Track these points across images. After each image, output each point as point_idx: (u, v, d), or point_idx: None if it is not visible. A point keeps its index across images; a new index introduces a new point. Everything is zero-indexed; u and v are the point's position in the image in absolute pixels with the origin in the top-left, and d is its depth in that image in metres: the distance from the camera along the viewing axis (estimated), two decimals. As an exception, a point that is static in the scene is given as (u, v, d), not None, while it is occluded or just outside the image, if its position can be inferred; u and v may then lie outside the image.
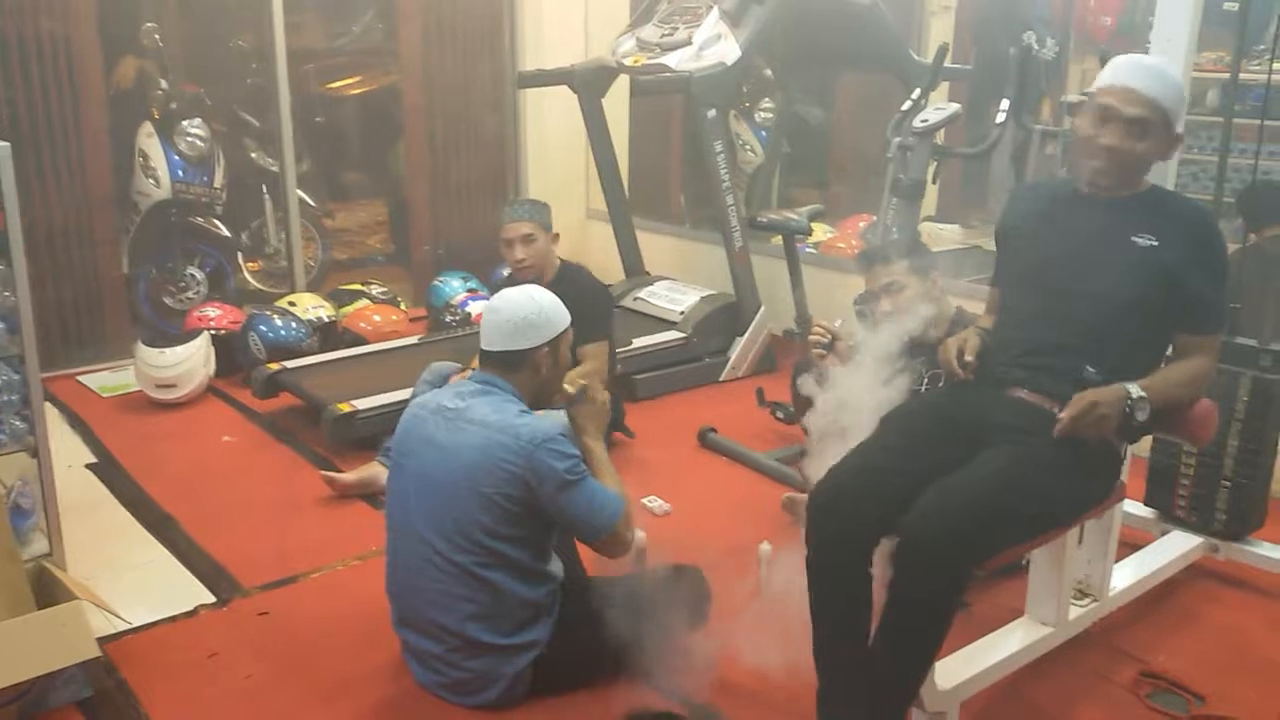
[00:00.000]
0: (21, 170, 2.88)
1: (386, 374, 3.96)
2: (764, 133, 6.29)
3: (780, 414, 3.85)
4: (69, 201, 4.51)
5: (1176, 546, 2.84)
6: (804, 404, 2.66)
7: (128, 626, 2.59)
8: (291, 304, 4.67)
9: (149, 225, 4.84)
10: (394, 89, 5.87)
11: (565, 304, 2.42)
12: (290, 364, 4.18)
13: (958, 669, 2.16)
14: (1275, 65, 2.84)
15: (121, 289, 4.80)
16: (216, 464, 3.69)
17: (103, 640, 2.45)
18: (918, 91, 3.93)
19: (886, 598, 1.95)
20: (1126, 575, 2.66)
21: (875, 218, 4.17)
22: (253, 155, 5.46)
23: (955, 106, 3.90)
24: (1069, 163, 4.04)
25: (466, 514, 2.21)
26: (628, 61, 4.59)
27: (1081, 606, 2.49)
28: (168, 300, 4.96)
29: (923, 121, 3.78)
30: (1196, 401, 2.22)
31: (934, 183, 4.08)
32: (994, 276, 2.41)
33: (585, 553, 2.43)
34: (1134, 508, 2.97)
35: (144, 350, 4.17)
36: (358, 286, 5.11)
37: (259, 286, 5.41)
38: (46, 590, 2.49)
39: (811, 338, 2.82)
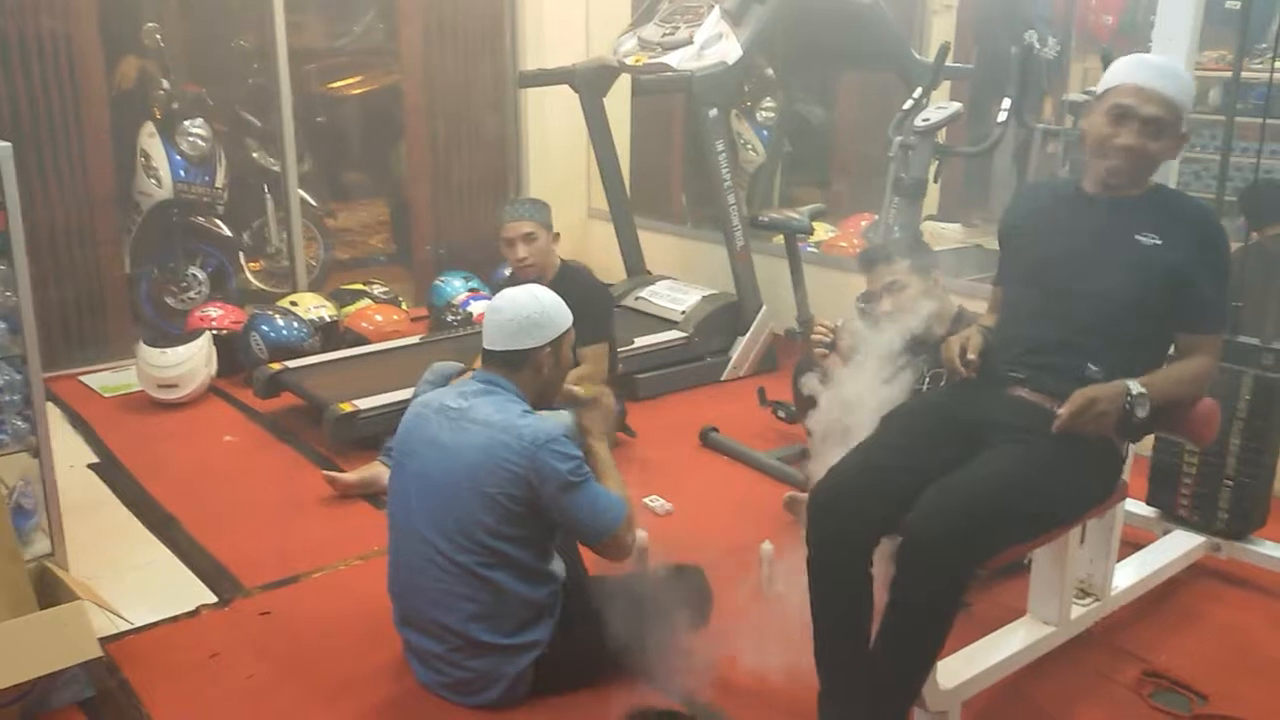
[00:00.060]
0: (23, 170, 2.89)
1: (388, 374, 3.96)
2: (765, 132, 6.29)
3: (782, 413, 3.85)
4: (71, 201, 4.52)
5: (1179, 546, 2.84)
6: (805, 403, 2.66)
7: (130, 626, 2.59)
8: (293, 304, 4.67)
9: (151, 225, 4.84)
10: (395, 89, 5.87)
11: (566, 304, 2.42)
12: (292, 364, 4.18)
13: (959, 668, 2.16)
14: (1277, 64, 2.84)
15: (123, 289, 4.80)
16: (218, 464, 3.69)
17: (105, 640, 2.46)
18: (919, 90, 3.93)
19: (888, 598, 1.94)
20: (1129, 574, 2.66)
21: (877, 217, 4.16)
22: (254, 155, 5.47)
23: (957, 105, 3.89)
24: (1071, 161, 4.04)
25: (468, 514, 2.21)
26: (629, 61, 4.59)
27: (1083, 606, 2.49)
28: (169, 300, 4.96)
29: (924, 120, 3.77)
30: (1198, 401, 2.21)
31: (935, 182, 4.08)
32: (997, 275, 2.41)
33: (587, 553, 2.43)
34: (1136, 507, 2.97)
35: (146, 350, 4.17)
36: (359, 286, 5.11)
37: (261, 286, 5.41)
38: (48, 590, 2.49)
39: (813, 337, 2.82)
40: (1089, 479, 2.16)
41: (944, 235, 5.96)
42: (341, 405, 3.68)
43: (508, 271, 3.80)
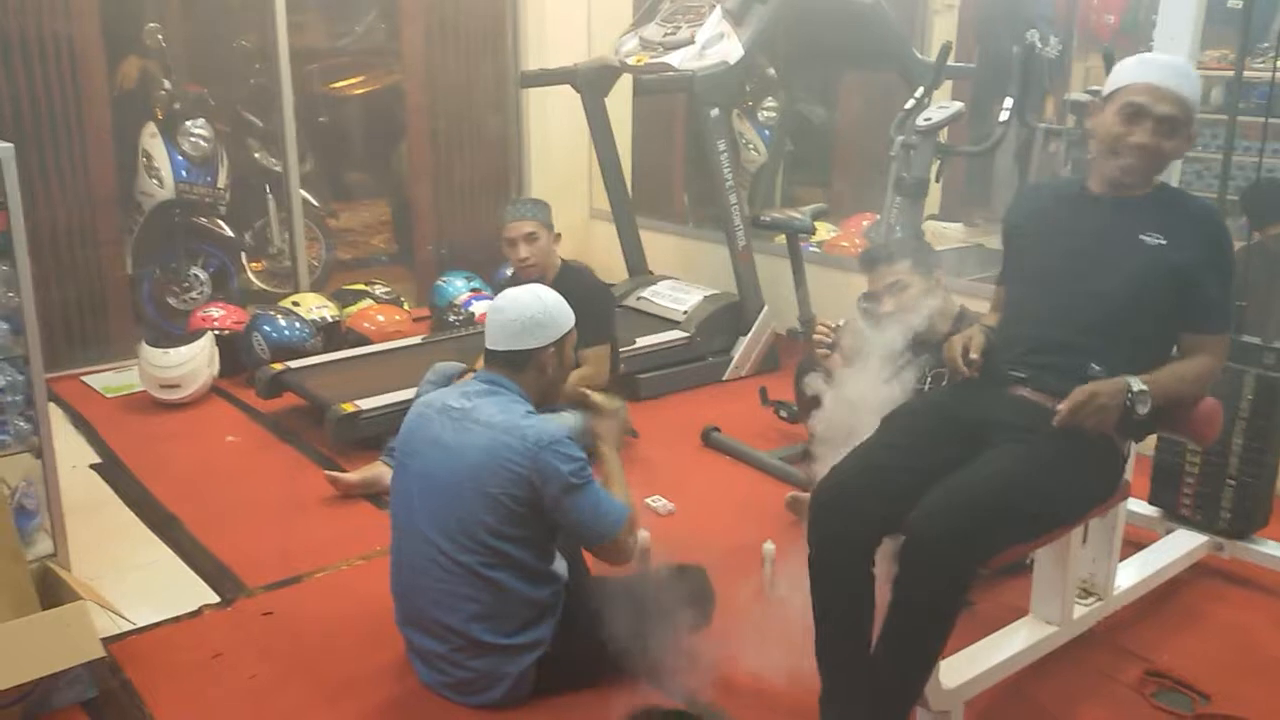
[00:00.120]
0: (25, 170, 2.88)
1: (390, 374, 3.96)
2: (767, 131, 6.28)
3: (784, 413, 3.84)
4: (73, 202, 4.52)
5: (1181, 545, 2.83)
6: (807, 403, 2.66)
7: (132, 627, 2.59)
8: (295, 304, 4.67)
9: (153, 225, 4.85)
10: (397, 89, 5.87)
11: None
12: (294, 364, 4.18)
13: (962, 668, 2.16)
14: (1279, 63, 2.83)
15: (125, 289, 4.80)
16: (220, 464, 3.69)
17: (107, 640, 2.46)
18: (921, 90, 3.93)
19: (891, 597, 1.94)
20: (1131, 574, 2.65)
21: (879, 216, 4.16)
22: (256, 155, 5.48)
23: (958, 105, 3.89)
24: (1073, 161, 4.04)
25: (471, 514, 2.21)
26: (630, 60, 4.59)
27: (1086, 605, 2.48)
28: (171, 300, 4.96)
29: (926, 120, 3.77)
30: (1200, 400, 2.21)
31: (937, 181, 4.07)
32: (1000, 275, 2.41)
33: (589, 553, 2.43)
34: (1139, 506, 2.97)
35: (148, 350, 4.18)
36: (361, 286, 5.12)
37: (263, 287, 5.42)
38: (51, 591, 2.49)
39: (815, 337, 2.82)
40: (1091, 478, 2.15)
41: (946, 235, 5.95)
42: (344, 405, 3.68)
43: (510, 271, 3.80)
